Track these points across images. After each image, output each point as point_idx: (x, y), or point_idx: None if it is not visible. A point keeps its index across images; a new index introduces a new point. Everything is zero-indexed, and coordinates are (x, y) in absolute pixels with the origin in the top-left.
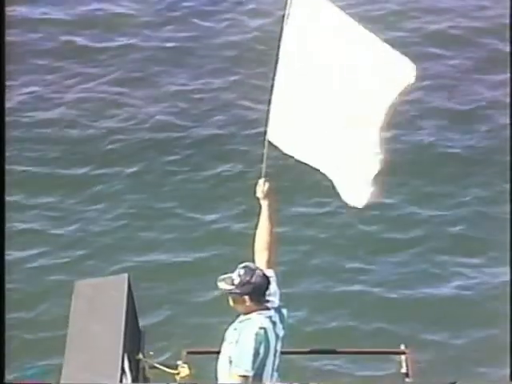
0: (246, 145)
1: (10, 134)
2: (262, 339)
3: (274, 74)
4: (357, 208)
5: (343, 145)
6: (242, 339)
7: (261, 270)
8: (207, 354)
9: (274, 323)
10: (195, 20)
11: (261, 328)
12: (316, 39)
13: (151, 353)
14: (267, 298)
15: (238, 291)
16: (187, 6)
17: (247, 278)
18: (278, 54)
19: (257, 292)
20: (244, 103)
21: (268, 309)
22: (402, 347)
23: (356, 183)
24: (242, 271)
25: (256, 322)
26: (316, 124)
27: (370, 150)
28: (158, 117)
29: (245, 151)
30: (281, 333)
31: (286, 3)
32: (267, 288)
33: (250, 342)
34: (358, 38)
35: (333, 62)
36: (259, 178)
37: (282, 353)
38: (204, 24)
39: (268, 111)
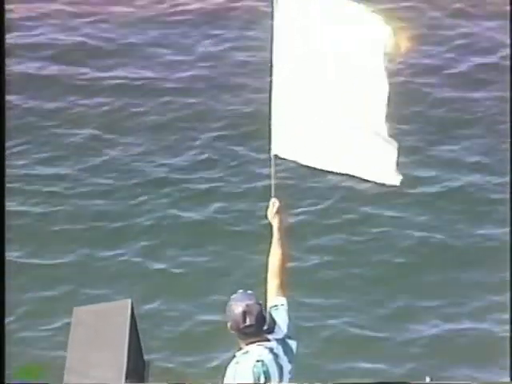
0: None
1: None
2: (260, 371)
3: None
4: (395, 186)
5: (357, 131)
6: (239, 374)
7: (240, 302)
8: None
9: (275, 355)
10: None
11: (258, 361)
12: (306, 30)
13: None
14: (263, 329)
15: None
16: None
17: (227, 313)
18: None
19: (234, 327)
20: None
21: (268, 340)
22: (428, 380)
23: (384, 162)
24: None
25: (253, 354)
26: (322, 120)
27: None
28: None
29: None
30: (286, 365)
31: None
32: (244, 321)
33: (248, 376)
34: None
35: (326, 50)
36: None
37: None
38: None
39: (269, 123)
